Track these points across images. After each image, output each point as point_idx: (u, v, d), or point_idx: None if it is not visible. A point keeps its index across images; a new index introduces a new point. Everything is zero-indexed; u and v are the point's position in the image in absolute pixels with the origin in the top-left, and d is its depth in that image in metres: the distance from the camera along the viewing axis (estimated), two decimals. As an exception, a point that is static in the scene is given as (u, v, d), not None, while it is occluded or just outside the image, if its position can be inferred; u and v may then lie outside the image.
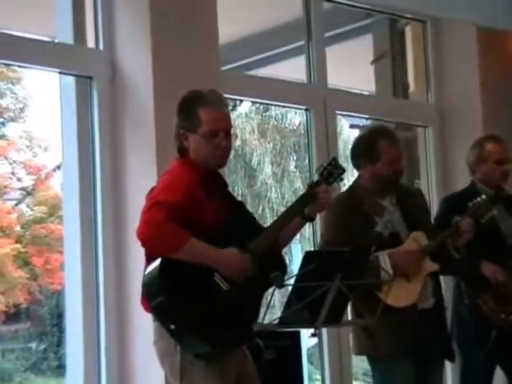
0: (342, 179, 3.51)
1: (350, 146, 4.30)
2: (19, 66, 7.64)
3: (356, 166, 4.16)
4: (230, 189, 3.51)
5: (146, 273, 3.16)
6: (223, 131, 3.28)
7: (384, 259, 3.87)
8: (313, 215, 3.44)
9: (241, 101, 9.52)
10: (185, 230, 3.10)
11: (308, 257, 3.29)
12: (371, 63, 6.79)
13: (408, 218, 4.06)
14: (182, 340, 3.11)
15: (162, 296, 3.09)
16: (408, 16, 6.63)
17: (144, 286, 3.16)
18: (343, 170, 3.49)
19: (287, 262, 3.40)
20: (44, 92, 10.34)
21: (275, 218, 3.52)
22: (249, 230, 3.29)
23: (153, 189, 3.30)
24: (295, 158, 11.84)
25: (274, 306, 3.43)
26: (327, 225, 4.09)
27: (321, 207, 3.44)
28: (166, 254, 3.11)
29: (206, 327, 3.08)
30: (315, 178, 3.48)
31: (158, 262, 3.13)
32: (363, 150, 4.10)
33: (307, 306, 3.22)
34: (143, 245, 3.15)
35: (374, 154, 4.04)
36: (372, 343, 3.96)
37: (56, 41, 4.93)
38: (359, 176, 4.17)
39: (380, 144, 4.04)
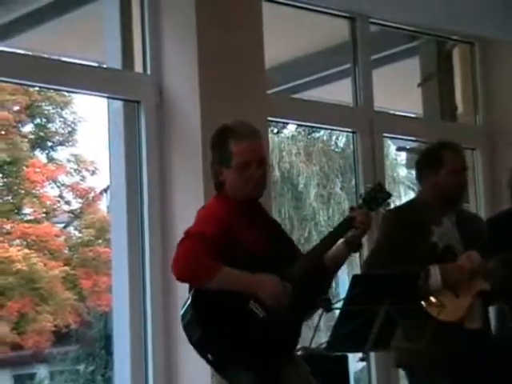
0: (387, 204, 3.46)
1: (396, 169, 4.30)
2: (68, 91, 7.78)
3: (419, 178, 4.17)
4: (273, 216, 3.51)
5: (182, 312, 3.15)
6: (255, 161, 3.25)
7: (435, 271, 3.85)
8: (355, 241, 3.34)
9: (286, 123, 9.54)
10: (218, 259, 3.07)
11: (356, 280, 3.26)
12: (418, 85, 6.76)
13: (464, 241, 4.03)
14: (226, 372, 3.10)
15: (198, 333, 3.07)
16: (455, 38, 6.60)
17: (182, 325, 3.14)
18: (388, 195, 3.40)
19: (333, 285, 3.36)
20: (92, 116, 10.49)
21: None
22: (289, 258, 3.25)
23: None
24: (341, 179, 11.80)
25: (320, 329, 3.40)
26: (382, 232, 4.07)
27: (361, 232, 3.32)
28: (200, 284, 3.09)
29: (246, 357, 3.07)
30: (359, 202, 3.43)
31: (190, 297, 3.12)
32: (427, 161, 4.13)
33: (355, 330, 3.20)
34: (178, 278, 3.13)
35: (437, 164, 4.05)
36: (412, 357, 3.91)
37: (104, 66, 5.00)
38: (421, 190, 4.18)
39: (444, 154, 4.07)
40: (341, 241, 3.35)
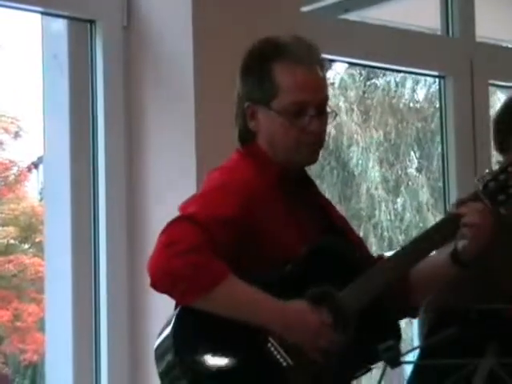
0: None
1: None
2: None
3: (501, 148, 4.13)
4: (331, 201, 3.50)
5: (156, 346, 3.16)
6: (314, 105, 3.27)
7: None
8: (463, 255, 3.33)
9: (331, 61, 9.55)
10: (224, 263, 3.06)
11: (443, 318, 3.28)
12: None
13: None
14: None
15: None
16: None
17: (158, 372, 3.17)
18: None
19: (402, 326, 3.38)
20: (16, 43, 10.54)
21: (387, 250, 3.50)
22: (352, 272, 3.23)
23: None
24: (419, 154, 11.85)
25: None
26: None
27: (472, 240, 3.30)
28: (189, 298, 3.08)
29: None
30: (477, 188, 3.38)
31: (171, 324, 3.12)
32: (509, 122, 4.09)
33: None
34: (155, 286, 3.10)
35: None
36: None
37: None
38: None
39: None
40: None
